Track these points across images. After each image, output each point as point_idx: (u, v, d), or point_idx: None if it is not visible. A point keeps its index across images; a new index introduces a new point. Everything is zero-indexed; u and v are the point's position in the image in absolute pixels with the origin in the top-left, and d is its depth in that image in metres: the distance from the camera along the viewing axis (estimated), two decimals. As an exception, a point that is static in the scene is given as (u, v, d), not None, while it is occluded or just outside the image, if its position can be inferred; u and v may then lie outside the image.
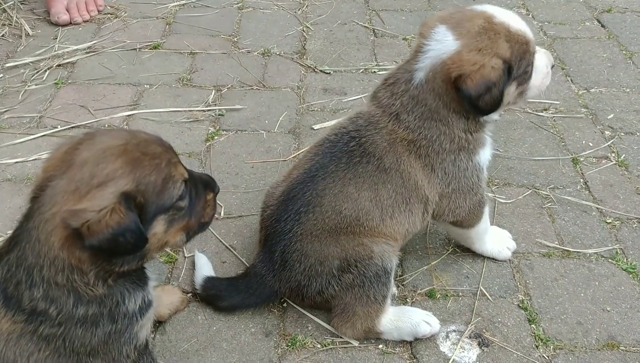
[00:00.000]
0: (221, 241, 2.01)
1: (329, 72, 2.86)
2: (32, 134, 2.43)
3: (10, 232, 1.96)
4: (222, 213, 2.12)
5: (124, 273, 1.25)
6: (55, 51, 2.91)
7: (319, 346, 1.71)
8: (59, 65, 2.82)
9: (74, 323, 1.21)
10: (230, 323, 1.76)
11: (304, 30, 3.15)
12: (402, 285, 1.86)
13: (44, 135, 2.43)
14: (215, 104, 2.63)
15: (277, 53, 2.98)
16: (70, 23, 3.12)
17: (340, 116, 2.56)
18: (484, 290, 1.84)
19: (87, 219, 1.12)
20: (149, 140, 1.27)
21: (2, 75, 2.76)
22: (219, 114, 2.58)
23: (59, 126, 2.48)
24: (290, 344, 1.71)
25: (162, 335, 1.72)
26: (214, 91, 2.71)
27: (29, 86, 2.68)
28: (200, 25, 3.16)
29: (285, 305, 1.81)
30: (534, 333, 1.73)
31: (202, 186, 1.39)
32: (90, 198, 1.14)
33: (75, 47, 2.94)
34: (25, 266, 1.19)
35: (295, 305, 1.80)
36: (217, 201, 2.12)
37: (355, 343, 1.70)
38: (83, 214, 1.12)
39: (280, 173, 2.28)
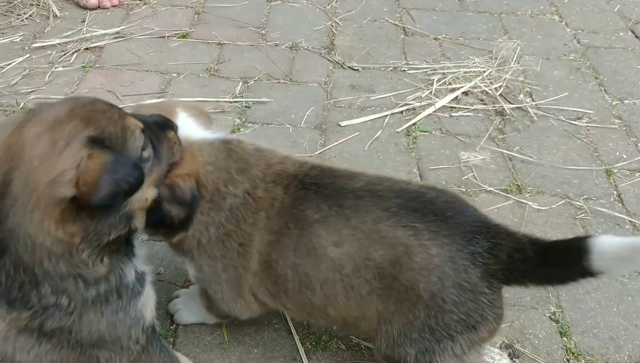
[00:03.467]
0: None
1: (357, 69, 2.81)
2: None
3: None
4: (247, 206, 2.08)
5: (114, 247, 1.19)
6: (83, 34, 2.89)
7: (343, 347, 1.67)
8: (86, 48, 2.80)
9: (87, 306, 1.17)
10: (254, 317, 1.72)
11: (332, 26, 3.11)
12: (431, 289, 1.82)
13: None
14: (242, 96, 2.60)
15: (305, 47, 2.94)
16: (99, 7, 3.10)
17: (368, 114, 2.52)
18: (515, 300, 1.79)
19: (73, 179, 1.04)
20: (93, 100, 1.19)
21: (28, 55, 2.73)
22: (246, 106, 2.55)
23: (84, 110, 2.45)
24: (314, 343, 1.67)
25: (185, 327, 1.69)
26: (241, 83, 2.67)
27: (55, 68, 2.66)
28: (228, 16, 3.12)
29: (309, 303, 1.77)
30: (566, 346, 1.68)
31: (160, 129, 1.30)
32: (62, 160, 1.05)
33: (103, 32, 2.91)
34: (24, 267, 1.12)
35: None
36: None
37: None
38: (64, 178, 1.04)
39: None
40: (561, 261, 1.25)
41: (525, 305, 1.78)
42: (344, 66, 2.83)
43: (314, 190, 1.35)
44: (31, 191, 1.06)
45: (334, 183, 1.36)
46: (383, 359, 1.39)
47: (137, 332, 1.26)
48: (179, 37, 2.95)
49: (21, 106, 2.44)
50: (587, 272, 1.20)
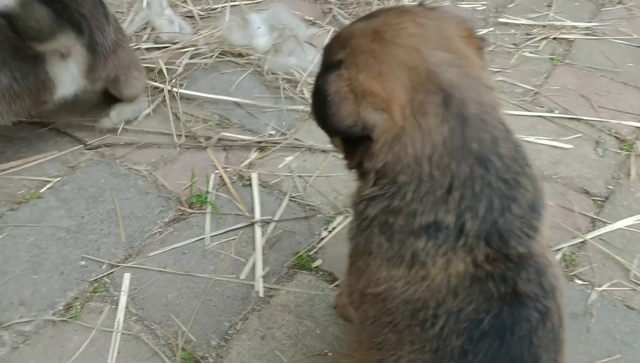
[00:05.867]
0: None
1: None
2: (527, 110, 2.02)
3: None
4: None
5: None
6: (548, 20, 2.47)
7: None
8: (554, 38, 2.37)
9: None
10: None
11: None
12: None
13: (540, 116, 2.00)
14: None
15: None
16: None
17: None
18: None
19: None
20: None
21: (492, 29, 2.41)
22: None
23: (556, 111, 2.03)
24: None
25: None
26: None
27: (522, 52, 2.29)
28: None
29: None
30: None
31: None
32: None
33: (572, 24, 2.46)
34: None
35: None
36: None
37: None
38: None
39: None
40: None
41: None
42: None
43: None
44: None
45: None
46: None
47: None
48: (663, 53, 2.34)
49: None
50: None
